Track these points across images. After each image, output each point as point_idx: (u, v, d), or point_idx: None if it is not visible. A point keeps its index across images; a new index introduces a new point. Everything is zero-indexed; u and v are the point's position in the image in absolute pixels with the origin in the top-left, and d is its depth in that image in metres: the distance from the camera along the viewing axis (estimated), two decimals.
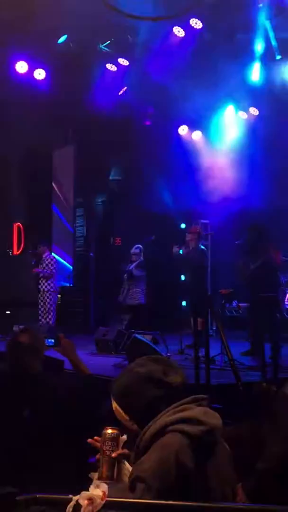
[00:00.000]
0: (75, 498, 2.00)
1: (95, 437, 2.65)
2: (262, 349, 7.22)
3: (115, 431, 2.51)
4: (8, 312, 14.48)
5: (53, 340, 4.13)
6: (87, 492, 1.98)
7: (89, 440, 2.66)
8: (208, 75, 11.66)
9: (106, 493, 2.00)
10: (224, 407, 5.41)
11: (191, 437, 2.28)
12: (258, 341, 8.33)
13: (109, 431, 2.53)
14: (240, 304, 12.05)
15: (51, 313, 12.30)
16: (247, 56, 12.18)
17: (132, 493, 2.25)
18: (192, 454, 2.26)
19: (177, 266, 11.37)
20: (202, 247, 11.17)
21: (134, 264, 11.29)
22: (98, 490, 1.99)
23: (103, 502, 1.98)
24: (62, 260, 15.13)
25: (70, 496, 2.03)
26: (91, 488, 2.01)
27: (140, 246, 11.52)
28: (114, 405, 2.50)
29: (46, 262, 12.34)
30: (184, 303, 11.19)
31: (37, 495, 2.10)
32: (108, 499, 2.00)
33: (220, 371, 7.83)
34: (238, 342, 10.04)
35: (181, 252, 10.80)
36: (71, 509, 1.98)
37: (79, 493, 2.01)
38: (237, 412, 4.79)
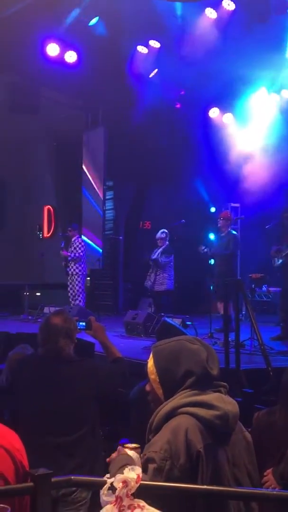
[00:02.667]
0: (109, 480, 2.01)
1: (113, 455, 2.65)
2: None
3: (137, 449, 2.47)
4: (38, 294, 14.63)
5: (84, 323, 4.16)
6: (122, 475, 1.99)
7: (108, 460, 2.66)
8: (239, 57, 11.50)
9: (141, 476, 2.01)
10: (254, 392, 5.42)
11: (202, 420, 2.31)
12: None
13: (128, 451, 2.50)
14: (270, 289, 11.99)
15: (80, 296, 12.37)
16: (281, 37, 11.97)
17: (144, 473, 2.26)
18: (201, 437, 2.28)
19: (208, 246, 11.31)
20: (234, 232, 11.13)
21: (160, 249, 11.26)
22: (132, 473, 2.00)
23: (137, 485, 1.99)
24: (91, 243, 15.18)
25: (105, 478, 2.04)
26: (126, 471, 2.02)
27: (166, 230, 11.50)
28: (151, 362, 2.52)
29: (75, 245, 12.40)
30: (212, 287, 11.15)
31: (72, 477, 2.12)
32: (142, 482, 2.01)
33: (250, 355, 7.81)
34: (268, 326, 10.01)
35: (213, 238, 10.76)
36: (105, 491, 1.99)
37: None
38: (268, 397, 4.79)
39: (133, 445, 2.48)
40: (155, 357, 2.52)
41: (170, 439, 2.25)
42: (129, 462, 2.24)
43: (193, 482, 2.22)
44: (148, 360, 2.55)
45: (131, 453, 2.46)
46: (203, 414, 2.31)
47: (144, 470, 2.26)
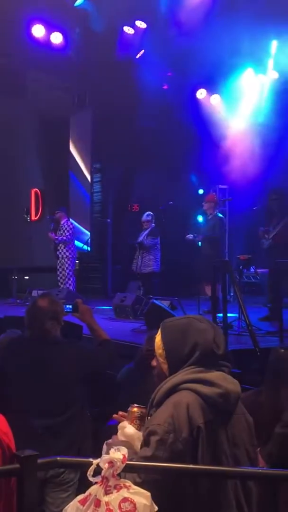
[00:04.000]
0: (95, 461, 2.01)
1: (120, 413, 2.69)
2: (281, 314, 7.20)
3: (142, 409, 2.55)
4: (26, 277, 14.59)
5: (70, 306, 4.16)
6: (108, 455, 1.99)
7: (115, 416, 2.70)
8: (227, 37, 11.43)
9: (126, 456, 2.02)
10: (242, 373, 5.45)
11: (203, 397, 2.33)
12: (276, 307, 8.31)
13: (135, 409, 2.56)
14: (258, 270, 12.02)
15: (71, 279, 12.34)
16: (267, 17, 11.90)
17: (146, 446, 2.29)
18: (202, 413, 2.31)
19: (195, 231, 11.33)
20: (220, 215, 11.14)
21: (146, 232, 11.26)
22: (118, 453, 2.00)
23: (123, 465, 2.00)
24: (79, 226, 15.13)
25: (91, 459, 2.05)
26: (112, 451, 2.02)
27: (151, 213, 11.49)
28: (159, 338, 2.55)
29: (63, 228, 12.35)
30: (200, 269, 11.17)
31: (58, 458, 2.13)
32: (128, 462, 2.02)
33: (237, 336, 7.84)
34: (256, 307, 10.04)
35: (201, 220, 10.80)
36: (91, 473, 2.00)
37: (99, 456, 2.03)
38: (255, 378, 4.81)
39: (139, 405, 2.57)
40: (163, 333, 2.54)
41: (173, 413, 2.29)
42: (126, 446, 2.25)
43: (194, 456, 2.25)
44: (156, 336, 2.57)
45: (131, 430, 2.49)
46: (205, 391, 2.34)
47: (147, 443, 2.30)
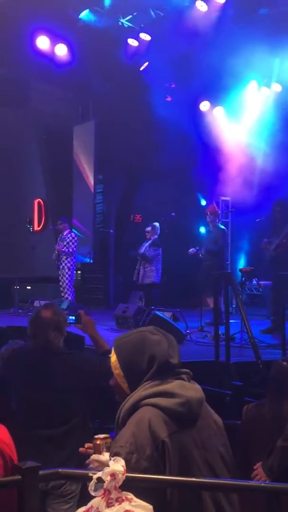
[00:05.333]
0: (95, 476, 2.01)
1: (87, 445, 2.64)
2: (283, 327, 7.19)
3: (107, 439, 2.51)
4: (28, 287, 14.59)
5: (74, 317, 4.16)
6: (109, 468, 1.99)
7: (81, 449, 2.65)
8: (230, 50, 11.48)
9: (125, 467, 2.01)
10: (244, 385, 5.44)
11: (164, 410, 2.32)
12: (279, 319, 8.30)
13: (99, 441, 2.50)
14: (260, 282, 12.01)
15: (70, 290, 12.35)
16: (271, 30, 11.96)
17: None
18: (166, 426, 2.28)
19: (196, 243, 11.33)
20: (222, 226, 11.14)
21: (148, 242, 11.27)
22: (118, 465, 2.00)
23: (124, 477, 2.00)
24: (82, 237, 15.15)
25: (90, 474, 2.04)
26: (111, 463, 2.02)
27: (155, 224, 11.51)
28: (114, 358, 2.51)
29: (68, 240, 12.35)
30: (202, 281, 11.16)
31: (59, 470, 2.13)
32: (127, 474, 2.02)
33: (240, 348, 7.83)
34: (258, 320, 10.03)
35: (203, 232, 10.80)
36: (93, 487, 1.99)
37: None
38: (257, 390, 4.80)
39: (103, 435, 2.51)
40: (118, 352, 2.52)
41: (134, 432, 2.26)
42: None
43: (162, 471, 2.22)
44: (111, 356, 2.54)
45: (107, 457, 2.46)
46: (165, 403, 2.33)
47: None
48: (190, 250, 10.98)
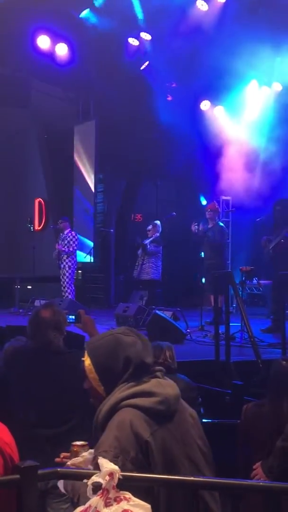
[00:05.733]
0: (96, 474, 2.01)
1: (62, 455, 2.63)
2: (283, 326, 7.19)
3: (84, 446, 2.51)
4: (29, 287, 14.59)
5: (73, 317, 4.16)
6: (107, 469, 1.99)
7: (57, 460, 2.63)
8: (231, 49, 11.48)
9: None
10: (244, 384, 5.43)
11: (143, 410, 2.32)
12: (279, 319, 8.30)
13: (76, 448, 2.51)
14: (260, 282, 12.01)
15: (70, 288, 12.36)
16: (272, 29, 11.95)
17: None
18: (147, 426, 2.29)
19: (197, 242, 11.32)
20: (221, 224, 11.13)
21: (150, 239, 11.30)
22: (114, 465, 2.01)
23: (121, 476, 2.00)
24: (82, 236, 15.15)
25: (84, 480, 2.04)
26: (107, 463, 2.02)
27: (156, 222, 11.51)
28: (88, 362, 2.50)
29: (68, 239, 12.35)
30: (203, 280, 11.16)
31: (58, 469, 2.13)
32: (123, 473, 2.02)
33: (240, 348, 7.84)
34: (259, 319, 10.04)
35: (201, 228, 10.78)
36: (91, 491, 1.99)
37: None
38: (257, 390, 4.80)
39: (81, 442, 2.52)
40: (92, 355, 2.50)
41: (117, 435, 2.25)
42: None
43: (148, 470, 2.23)
44: (84, 359, 2.53)
45: (86, 454, 2.46)
46: (144, 403, 2.33)
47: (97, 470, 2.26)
48: (194, 226, 10.82)
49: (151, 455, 2.26)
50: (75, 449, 2.50)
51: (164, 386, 2.43)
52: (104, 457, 2.19)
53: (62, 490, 2.33)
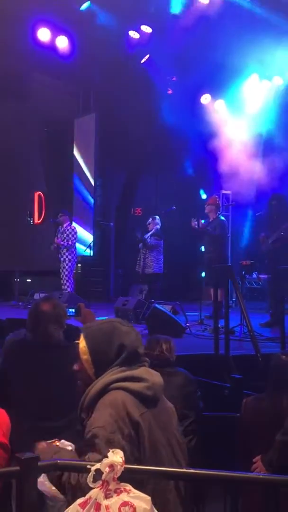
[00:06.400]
0: (96, 465, 2.01)
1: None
2: (282, 320, 7.19)
3: (55, 442, 2.63)
4: (28, 280, 14.59)
5: (73, 310, 4.16)
6: (108, 459, 1.99)
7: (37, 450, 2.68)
8: (231, 43, 11.45)
9: (124, 459, 2.02)
10: (243, 378, 5.44)
11: (134, 393, 2.48)
12: (278, 313, 8.30)
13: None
14: (260, 276, 12.01)
15: (70, 281, 12.35)
16: (271, 23, 11.93)
17: (93, 449, 2.33)
18: (137, 408, 2.45)
19: (197, 236, 11.31)
20: (222, 218, 11.11)
21: (150, 233, 11.31)
22: (117, 457, 2.01)
23: (122, 468, 2.00)
24: (82, 229, 15.14)
25: (88, 466, 2.05)
26: (110, 454, 2.02)
27: (155, 216, 11.51)
28: (83, 343, 2.64)
29: (67, 233, 12.34)
30: (203, 274, 11.15)
31: (58, 461, 2.13)
32: (126, 466, 2.03)
33: (239, 342, 7.84)
34: (258, 313, 10.04)
35: (202, 221, 10.76)
36: (91, 479, 2.00)
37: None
38: (257, 384, 4.80)
39: (50, 440, 2.67)
40: (88, 338, 2.65)
41: (111, 412, 2.39)
42: (59, 451, 2.44)
43: (137, 449, 2.38)
44: (79, 342, 2.67)
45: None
46: (134, 387, 2.50)
47: (92, 446, 2.35)
48: (193, 222, 10.80)
49: (141, 435, 2.40)
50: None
51: (152, 374, 2.62)
52: (99, 432, 2.31)
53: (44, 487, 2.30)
